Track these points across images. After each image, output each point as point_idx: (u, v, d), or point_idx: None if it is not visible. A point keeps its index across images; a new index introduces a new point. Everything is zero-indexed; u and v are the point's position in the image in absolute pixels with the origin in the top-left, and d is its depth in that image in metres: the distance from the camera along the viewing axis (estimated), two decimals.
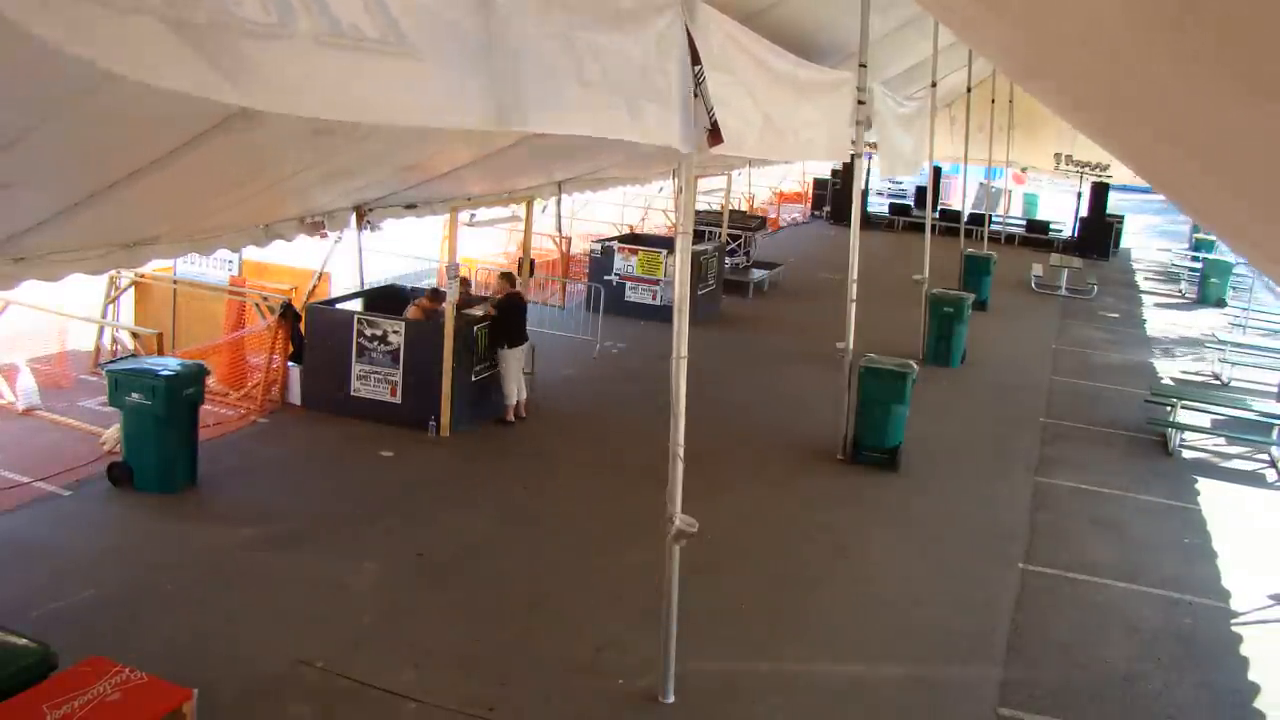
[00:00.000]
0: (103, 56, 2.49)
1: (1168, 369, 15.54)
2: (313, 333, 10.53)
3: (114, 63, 2.52)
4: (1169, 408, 11.79)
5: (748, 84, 6.50)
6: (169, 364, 8.61)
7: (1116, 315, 19.98)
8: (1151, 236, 32.74)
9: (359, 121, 3.33)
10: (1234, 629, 7.63)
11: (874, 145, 13.07)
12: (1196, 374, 15.57)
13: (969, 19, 1.92)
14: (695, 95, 5.51)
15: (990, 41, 1.93)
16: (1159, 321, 19.78)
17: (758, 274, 18.72)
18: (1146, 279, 24.97)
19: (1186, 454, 11.51)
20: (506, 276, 11.13)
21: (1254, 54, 1.04)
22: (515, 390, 10.55)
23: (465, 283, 11.08)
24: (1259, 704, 6.65)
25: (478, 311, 10.66)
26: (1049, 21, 1.48)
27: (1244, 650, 7.27)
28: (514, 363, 10.50)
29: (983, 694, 6.42)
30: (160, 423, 8.15)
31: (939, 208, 23.92)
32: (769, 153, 8.17)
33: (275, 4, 2.78)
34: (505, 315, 10.51)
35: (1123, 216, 28.47)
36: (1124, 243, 28.33)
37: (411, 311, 10.61)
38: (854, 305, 10.22)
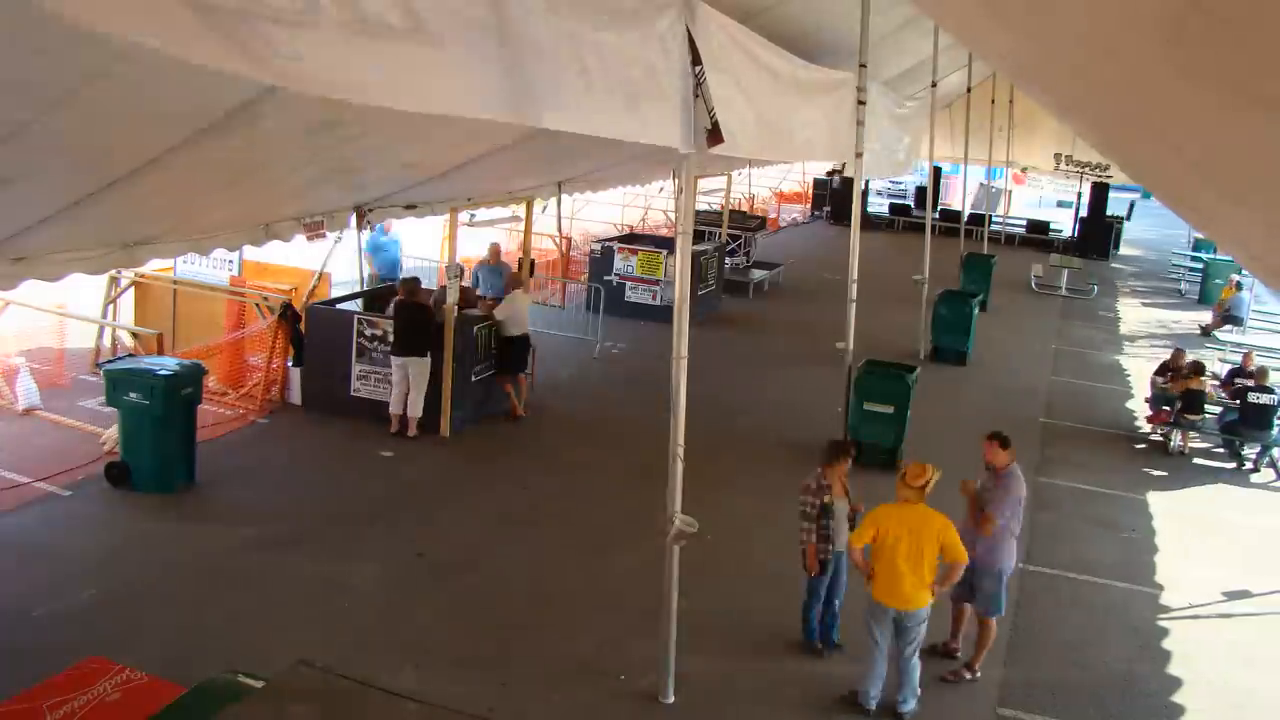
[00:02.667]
0: (131, 28, 2.48)
1: None
2: (313, 333, 10.53)
3: (143, 34, 2.51)
4: (1168, 408, 11.78)
5: (748, 84, 6.50)
6: (167, 363, 8.61)
7: (1116, 315, 19.99)
8: (1151, 236, 32.73)
9: (389, 106, 3.40)
10: (1234, 628, 7.64)
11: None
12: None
13: (966, 21, 1.92)
14: (696, 95, 5.52)
15: (988, 44, 1.94)
16: (1159, 321, 19.78)
17: (758, 274, 18.72)
18: (1147, 279, 24.96)
19: (1186, 454, 11.51)
20: (405, 283, 10.36)
21: (1252, 64, 1.05)
22: (397, 401, 9.89)
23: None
24: (1258, 703, 6.66)
25: (476, 311, 10.66)
26: (1047, 25, 1.48)
27: (1244, 649, 7.28)
28: (397, 373, 9.85)
29: (983, 694, 6.43)
30: (158, 422, 8.15)
31: (939, 208, 23.92)
32: (769, 153, 8.18)
33: None
34: (399, 324, 9.92)
35: (1122, 217, 28.47)
36: (1124, 243, 28.36)
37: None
38: (854, 305, 10.21)
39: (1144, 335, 18.33)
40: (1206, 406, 11.91)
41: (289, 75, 2.89)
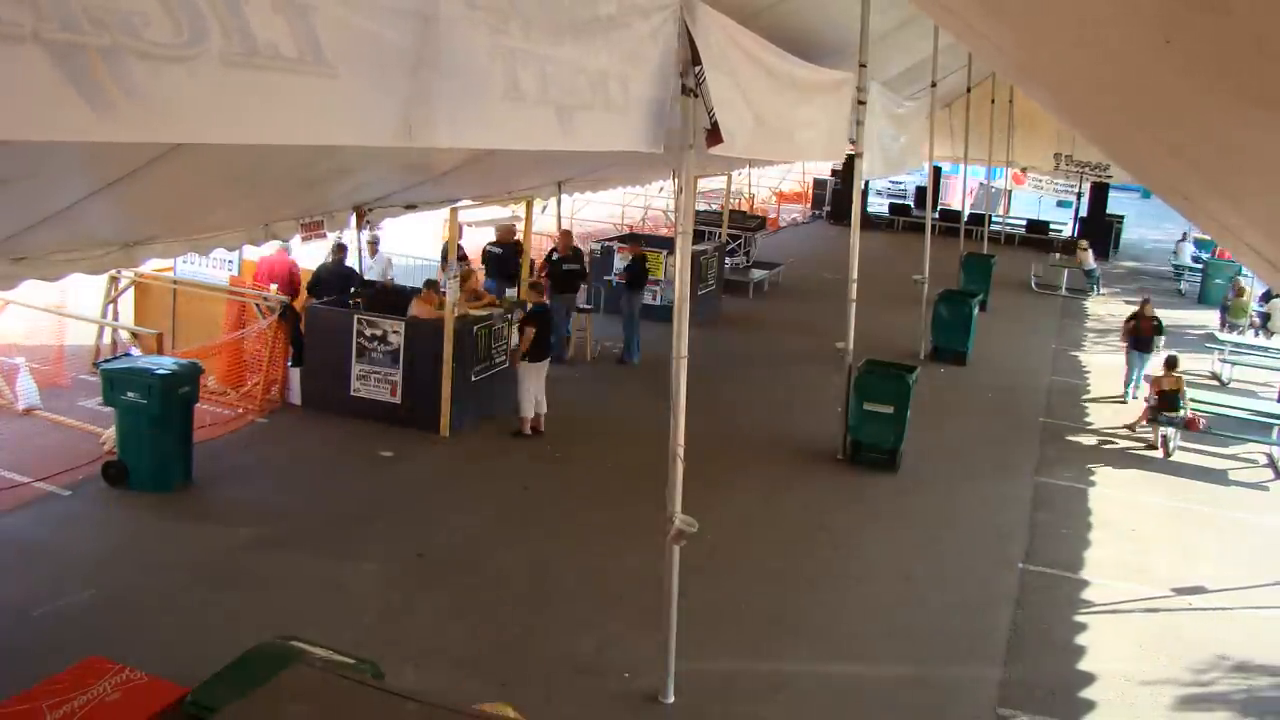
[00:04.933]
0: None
1: None
2: (312, 333, 10.52)
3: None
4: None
5: (747, 84, 6.50)
6: (164, 363, 8.62)
7: (1116, 315, 19.96)
8: (1158, 235, 32.70)
9: (269, 143, 3.24)
10: (1235, 628, 7.63)
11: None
12: (1195, 373, 15.55)
13: (966, 20, 1.92)
14: (696, 96, 5.52)
15: (987, 44, 1.94)
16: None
17: (758, 274, 18.72)
18: (1147, 278, 24.93)
19: (1186, 454, 11.51)
20: (535, 287, 10.69)
21: (1248, 65, 1.05)
22: (531, 405, 10.14)
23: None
24: (1258, 704, 6.66)
25: (479, 312, 10.66)
26: (1046, 25, 1.48)
27: (1243, 649, 7.27)
28: (534, 376, 10.11)
29: (983, 694, 6.43)
30: (155, 421, 8.15)
31: (939, 208, 23.92)
32: (768, 153, 8.18)
33: (189, 24, 2.68)
34: (539, 328, 10.04)
35: (1123, 216, 28.45)
36: (1124, 242, 28.35)
37: (419, 308, 10.48)
38: (854, 305, 10.22)
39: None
40: (1207, 407, 11.92)
41: (137, 126, 2.72)
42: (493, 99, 4.08)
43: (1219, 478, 10.95)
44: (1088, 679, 6.72)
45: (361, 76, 3.36)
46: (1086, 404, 13.36)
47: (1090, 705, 6.44)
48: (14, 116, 2.45)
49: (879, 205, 30.40)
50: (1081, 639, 7.23)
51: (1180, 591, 8.10)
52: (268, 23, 2.92)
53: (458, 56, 3.78)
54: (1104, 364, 15.67)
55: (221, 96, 2.87)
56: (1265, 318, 17.67)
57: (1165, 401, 11.48)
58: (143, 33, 2.58)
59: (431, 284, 10.78)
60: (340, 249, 11.41)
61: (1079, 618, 7.57)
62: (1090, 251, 22.01)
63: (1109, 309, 20.45)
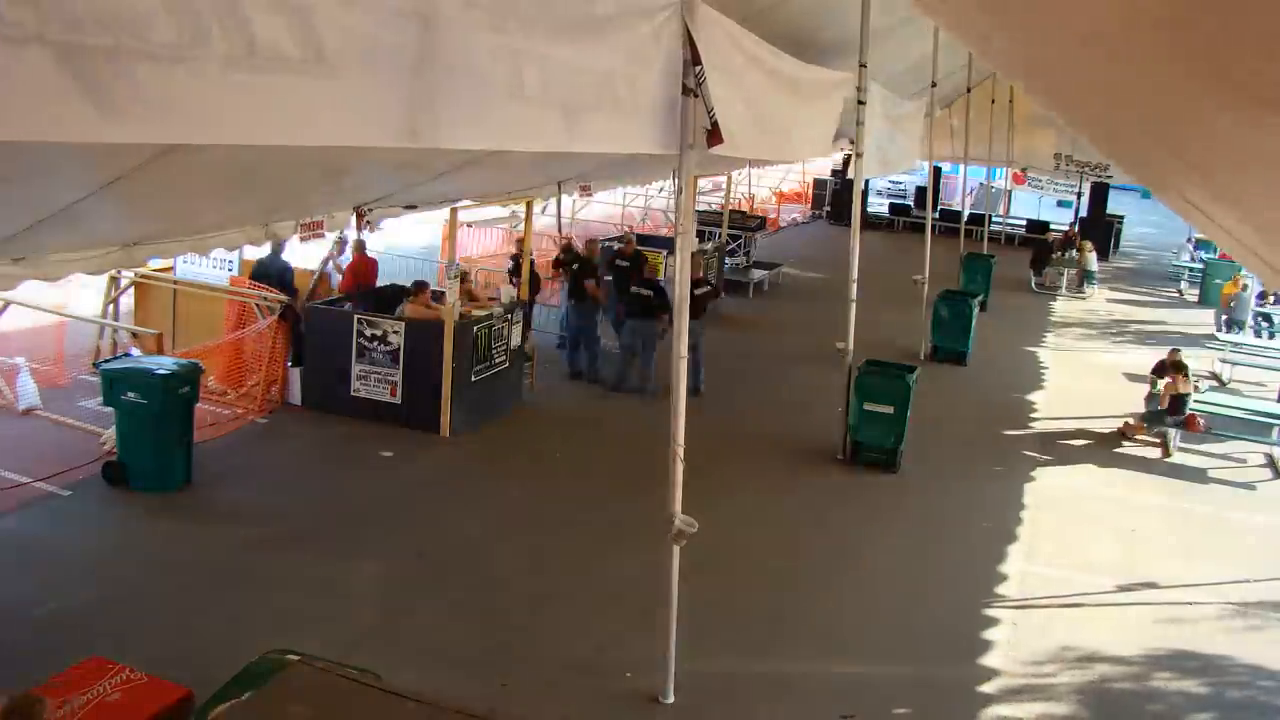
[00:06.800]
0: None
1: None
2: (313, 333, 10.52)
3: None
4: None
5: (747, 84, 6.49)
6: (164, 363, 8.62)
7: (1116, 316, 19.98)
8: (1158, 234, 32.71)
9: (273, 144, 3.21)
10: (1233, 629, 7.63)
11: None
12: (1195, 374, 15.54)
13: (967, 23, 1.92)
14: (696, 96, 5.51)
15: (988, 46, 1.94)
16: (1159, 322, 19.77)
17: (758, 274, 18.72)
18: (1148, 279, 24.93)
19: (1186, 454, 11.51)
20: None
21: (1249, 67, 1.05)
22: None
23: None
24: (1259, 704, 6.66)
25: (479, 312, 10.66)
26: (1048, 27, 1.48)
27: (1243, 650, 7.27)
28: None
29: (983, 694, 6.43)
30: (155, 421, 8.15)
31: (939, 208, 23.91)
32: (767, 153, 8.18)
33: (190, 25, 2.67)
34: None
35: (1123, 216, 28.43)
36: (1124, 242, 28.33)
37: (411, 309, 10.51)
38: (854, 305, 10.22)
39: (1143, 336, 18.32)
40: (1207, 406, 11.91)
41: (155, 126, 2.74)
42: (496, 99, 4.06)
43: (1218, 478, 10.94)
44: (1088, 679, 6.72)
45: (364, 77, 3.34)
46: (1086, 404, 13.34)
47: (1090, 706, 6.44)
48: (20, 118, 2.45)
49: (879, 205, 30.36)
50: (1081, 639, 7.22)
51: (1181, 592, 8.10)
52: (268, 23, 2.90)
53: (458, 56, 3.77)
54: (1102, 363, 15.67)
55: (224, 97, 2.86)
56: (1267, 318, 17.68)
57: (1175, 404, 11.48)
58: (145, 34, 2.57)
59: (421, 284, 10.78)
60: (279, 244, 11.33)
61: (1078, 618, 7.57)
62: (1094, 253, 22.01)
63: (1106, 307, 20.47)
